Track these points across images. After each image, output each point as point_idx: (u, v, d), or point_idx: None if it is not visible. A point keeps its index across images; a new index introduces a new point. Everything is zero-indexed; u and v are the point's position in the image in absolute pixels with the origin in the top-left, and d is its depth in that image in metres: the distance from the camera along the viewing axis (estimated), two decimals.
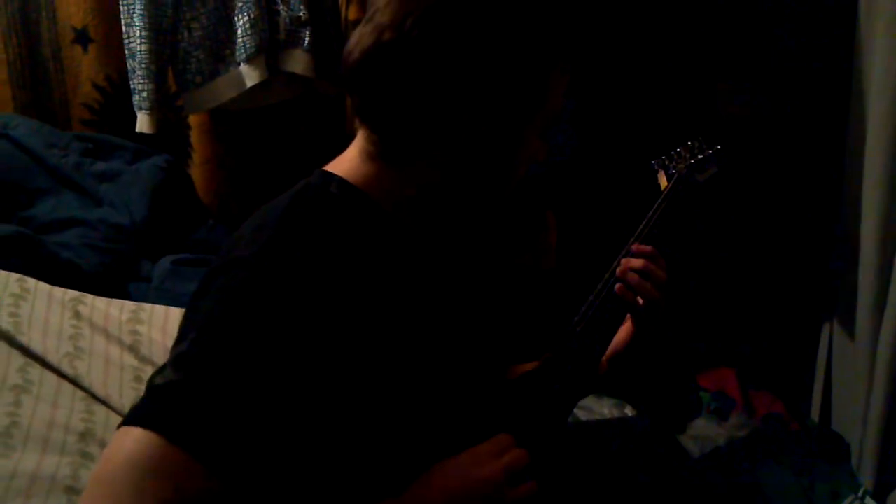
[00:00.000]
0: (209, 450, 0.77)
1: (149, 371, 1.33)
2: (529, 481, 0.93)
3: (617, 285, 1.14)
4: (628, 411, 1.90)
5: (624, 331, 1.19)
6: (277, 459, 0.84)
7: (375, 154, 0.98)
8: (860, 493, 1.78)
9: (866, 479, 1.80)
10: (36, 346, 1.26)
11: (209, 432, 0.78)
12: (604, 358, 1.19)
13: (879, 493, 1.78)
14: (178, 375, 0.81)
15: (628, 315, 1.18)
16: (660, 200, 1.27)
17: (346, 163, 1.00)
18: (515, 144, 1.00)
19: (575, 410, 1.80)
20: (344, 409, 0.90)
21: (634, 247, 1.17)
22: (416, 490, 0.90)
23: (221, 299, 0.86)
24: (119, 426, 0.80)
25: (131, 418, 0.79)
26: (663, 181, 1.34)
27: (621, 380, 1.22)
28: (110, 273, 1.70)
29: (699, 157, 1.37)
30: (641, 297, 1.14)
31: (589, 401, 1.90)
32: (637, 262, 1.15)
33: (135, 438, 0.77)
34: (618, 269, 1.15)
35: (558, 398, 1.08)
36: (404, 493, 0.90)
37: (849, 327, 1.88)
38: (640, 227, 1.22)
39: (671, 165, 1.35)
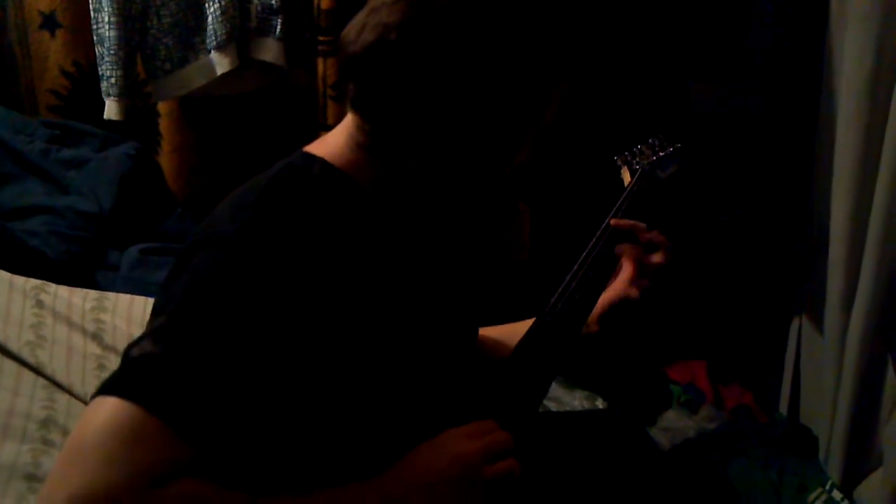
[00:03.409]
0: (186, 421, 0.77)
1: (112, 358, 1.32)
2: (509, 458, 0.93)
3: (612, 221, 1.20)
4: (599, 403, 1.90)
5: (610, 292, 1.22)
6: (256, 434, 0.84)
7: (365, 144, 0.98)
8: (828, 486, 1.79)
9: (834, 472, 1.82)
10: None
11: (187, 403, 0.78)
12: (593, 320, 1.22)
13: (847, 486, 1.80)
14: (157, 347, 0.80)
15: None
16: (623, 196, 1.29)
17: (332, 146, 1.00)
18: (507, 153, 1.01)
19: (546, 402, 1.81)
20: (323, 386, 0.90)
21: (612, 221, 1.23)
22: (396, 469, 0.90)
23: (202, 274, 0.86)
24: (93, 396, 0.79)
25: (107, 389, 0.78)
26: (627, 177, 1.36)
27: (616, 332, 1.24)
28: (77, 261, 1.68)
29: (661, 154, 1.40)
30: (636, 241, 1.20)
31: (560, 393, 1.90)
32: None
33: (111, 407, 0.76)
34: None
35: (541, 369, 1.09)
36: (385, 473, 0.90)
37: (818, 322, 1.89)
38: (605, 223, 1.23)
39: (634, 161, 1.37)
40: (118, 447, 0.74)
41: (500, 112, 0.95)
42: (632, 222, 1.22)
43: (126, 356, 0.82)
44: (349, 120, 0.99)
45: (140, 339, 0.83)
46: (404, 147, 0.97)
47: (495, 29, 0.92)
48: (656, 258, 1.20)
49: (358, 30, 0.93)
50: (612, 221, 1.22)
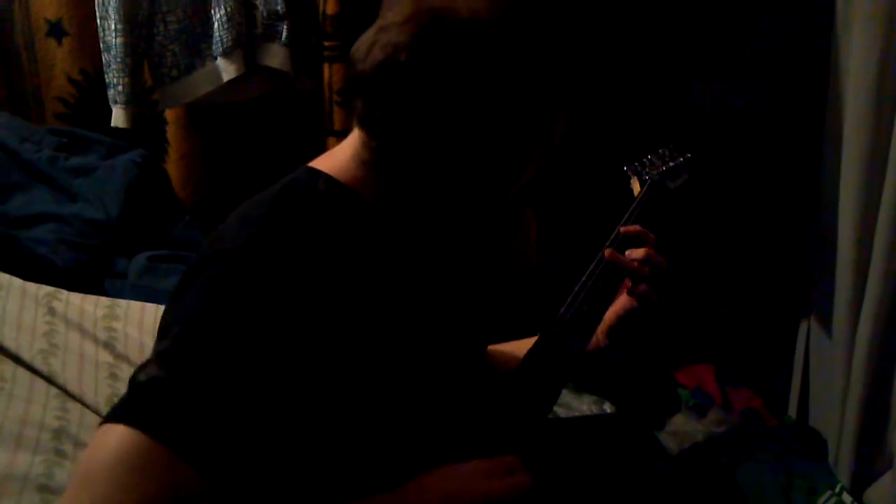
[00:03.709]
0: (194, 448, 0.76)
1: (124, 367, 1.32)
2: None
3: (608, 251, 1.17)
4: (607, 408, 1.90)
5: (617, 305, 1.21)
6: (265, 456, 0.83)
7: (370, 161, 0.98)
8: (837, 489, 1.79)
9: (843, 475, 1.82)
10: (8, 342, 1.24)
11: (194, 430, 0.77)
12: (601, 333, 1.21)
13: (856, 489, 1.80)
14: (163, 372, 0.80)
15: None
16: (633, 206, 1.29)
17: (337, 162, 1.00)
18: (513, 173, 1.01)
19: (554, 408, 1.81)
20: (331, 404, 0.89)
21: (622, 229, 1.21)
22: (413, 489, 0.90)
23: (206, 293, 0.85)
24: (101, 423, 0.79)
25: (114, 415, 0.78)
26: (636, 187, 1.36)
27: (625, 344, 1.23)
28: (85, 269, 1.68)
29: (670, 164, 1.40)
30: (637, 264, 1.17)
31: (568, 398, 1.90)
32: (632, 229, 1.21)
33: (118, 435, 0.76)
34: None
35: (549, 380, 1.09)
36: (400, 489, 0.90)
37: (826, 325, 1.89)
38: (614, 233, 1.23)
39: (644, 171, 1.37)
40: (126, 475, 0.74)
41: (506, 134, 0.95)
42: (641, 229, 1.22)
43: (133, 381, 0.81)
44: (355, 136, 0.99)
45: (147, 362, 0.82)
46: (410, 165, 0.97)
47: (503, 52, 0.92)
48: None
49: (367, 48, 0.93)
50: (622, 229, 1.22)
